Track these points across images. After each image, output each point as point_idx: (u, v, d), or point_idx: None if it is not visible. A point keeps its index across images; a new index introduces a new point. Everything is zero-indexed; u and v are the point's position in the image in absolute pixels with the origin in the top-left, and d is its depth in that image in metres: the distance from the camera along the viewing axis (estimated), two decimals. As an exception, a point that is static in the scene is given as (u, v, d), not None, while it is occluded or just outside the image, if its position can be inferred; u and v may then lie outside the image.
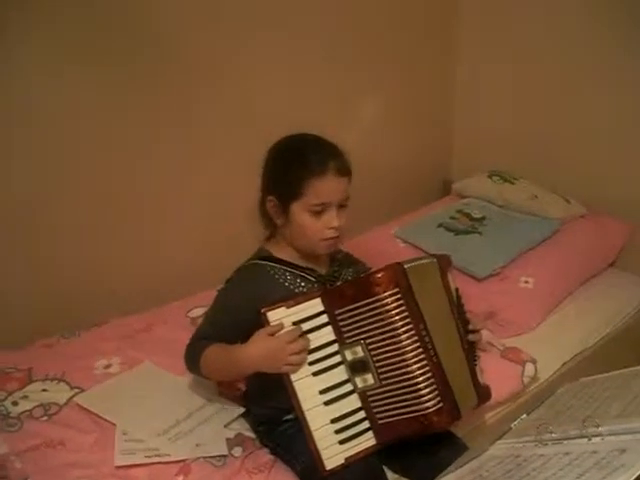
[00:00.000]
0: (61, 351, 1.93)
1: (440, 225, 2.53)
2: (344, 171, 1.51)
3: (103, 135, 2.08)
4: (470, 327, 1.58)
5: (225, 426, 1.61)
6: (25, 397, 1.72)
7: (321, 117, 2.57)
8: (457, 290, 1.59)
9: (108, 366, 1.87)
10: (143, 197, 2.23)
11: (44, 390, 1.75)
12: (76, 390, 1.75)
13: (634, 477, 0.74)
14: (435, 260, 1.53)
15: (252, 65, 2.36)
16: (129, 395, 1.71)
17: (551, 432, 1.07)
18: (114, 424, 1.60)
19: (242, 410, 1.66)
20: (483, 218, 2.54)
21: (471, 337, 1.56)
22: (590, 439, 0.93)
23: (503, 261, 2.31)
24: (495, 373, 1.81)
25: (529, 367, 1.90)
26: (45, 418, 1.65)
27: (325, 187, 1.47)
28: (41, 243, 2.06)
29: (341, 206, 1.52)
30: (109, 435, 1.57)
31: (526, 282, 2.26)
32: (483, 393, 1.56)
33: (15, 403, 1.69)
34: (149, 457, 1.49)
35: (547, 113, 2.73)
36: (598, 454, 0.85)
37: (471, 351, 1.56)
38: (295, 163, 1.50)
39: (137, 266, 2.27)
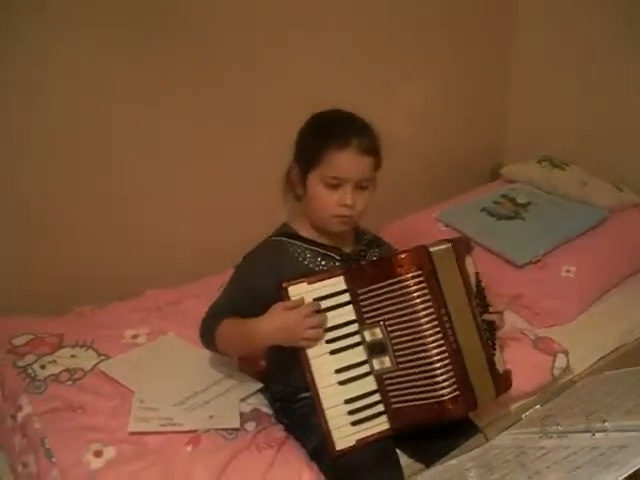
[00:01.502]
0: (93, 320, 1.97)
1: (483, 209, 2.46)
2: (368, 150, 1.46)
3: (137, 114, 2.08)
4: (491, 309, 1.52)
5: (242, 400, 1.60)
6: (54, 362, 1.75)
7: (368, 97, 2.54)
8: (477, 275, 1.54)
9: (136, 336, 1.88)
10: (192, 168, 2.24)
11: (72, 356, 1.78)
12: (102, 357, 1.78)
13: (626, 474, 0.69)
14: (450, 245, 1.48)
15: (294, 48, 2.32)
16: (150, 365, 1.73)
17: (558, 425, 1.03)
18: (133, 391, 1.61)
19: (260, 385, 1.65)
20: (528, 204, 2.46)
21: (487, 316, 1.51)
22: (594, 434, 0.88)
23: (544, 249, 2.22)
24: (525, 363, 1.78)
25: (561, 358, 1.83)
26: (70, 383, 1.68)
27: (343, 161, 1.43)
28: (78, 212, 2.09)
29: (361, 187, 1.47)
30: (127, 402, 1.59)
31: (568, 271, 2.18)
32: (501, 383, 1.50)
33: (43, 367, 1.72)
34: (163, 425, 1.50)
35: (603, 98, 2.62)
36: (597, 450, 0.80)
37: (490, 339, 1.51)
38: (319, 132, 1.48)
39: (175, 238, 2.28)
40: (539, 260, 2.22)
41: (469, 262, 1.53)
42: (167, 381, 1.65)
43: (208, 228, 2.30)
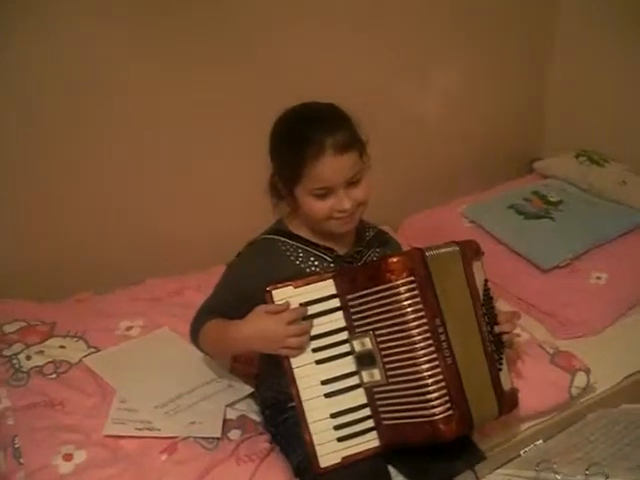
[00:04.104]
0: (90, 308, 1.90)
1: (511, 206, 2.31)
2: (346, 146, 1.30)
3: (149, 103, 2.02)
4: (499, 321, 1.39)
5: (229, 405, 1.51)
6: (41, 352, 1.69)
7: (401, 80, 2.45)
8: (486, 282, 1.40)
9: (130, 328, 1.81)
10: (191, 158, 2.15)
11: (61, 347, 1.72)
12: (92, 350, 1.71)
13: None
14: (458, 248, 1.34)
15: (323, 30, 2.19)
16: (138, 361, 1.65)
17: (555, 472, 0.90)
18: (115, 389, 1.54)
19: (250, 390, 1.56)
20: (560, 202, 2.30)
21: (497, 329, 1.38)
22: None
23: (573, 252, 2.07)
24: (540, 380, 1.65)
25: (580, 377, 1.68)
26: (54, 376, 1.62)
27: (324, 170, 1.29)
28: (79, 195, 2.02)
29: (354, 182, 1.34)
30: (108, 400, 1.52)
31: (598, 278, 2.02)
32: (506, 402, 1.36)
33: (29, 357, 1.66)
34: (139, 430, 1.42)
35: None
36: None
37: (497, 353, 1.37)
38: (290, 145, 1.33)
39: (179, 226, 2.20)
40: (568, 264, 2.06)
41: (477, 268, 1.39)
42: (152, 380, 1.57)
43: (213, 217, 2.22)
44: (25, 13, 1.76)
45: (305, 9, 2.15)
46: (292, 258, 1.41)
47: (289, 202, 1.41)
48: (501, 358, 1.39)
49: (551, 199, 2.32)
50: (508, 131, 2.83)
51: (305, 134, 1.31)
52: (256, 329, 1.30)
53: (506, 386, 1.38)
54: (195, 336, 1.46)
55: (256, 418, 1.52)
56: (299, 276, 1.34)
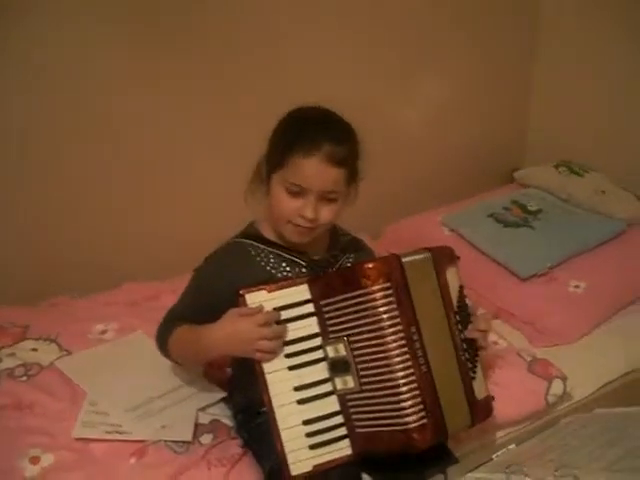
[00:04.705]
0: (64, 311, 1.88)
1: (490, 215, 2.30)
2: (338, 160, 1.29)
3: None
4: (470, 327, 1.37)
5: (201, 410, 1.49)
6: (12, 354, 1.66)
7: (383, 91, 2.46)
8: (461, 288, 1.39)
9: (104, 332, 1.79)
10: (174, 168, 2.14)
11: (33, 349, 1.70)
12: (64, 353, 1.69)
13: None
14: (429, 255, 1.33)
15: (310, 39, 2.20)
16: (110, 364, 1.63)
17: (525, 474, 0.89)
18: (86, 392, 1.52)
19: (222, 395, 1.54)
20: (539, 211, 2.30)
21: (468, 334, 1.36)
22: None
23: (552, 261, 2.07)
24: (517, 387, 1.65)
25: (557, 384, 1.68)
26: (24, 378, 1.59)
27: (307, 168, 1.28)
28: (62, 199, 2.00)
29: (328, 199, 1.32)
30: (78, 403, 1.49)
31: (576, 287, 2.02)
32: (480, 411, 1.35)
33: (-1, 360, 1.64)
34: (109, 433, 1.40)
35: (630, 103, 2.43)
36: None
37: (471, 361, 1.36)
38: (289, 132, 1.33)
39: (158, 230, 2.17)
40: (546, 273, 2.06)
41: (452, 274, 1.38)
42: (124, 383, 1.55)
43: (194, 221, 2.19)
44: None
45: (299, 16, 2.16)
46: (262, 263, 1.39)
47: (263, 189, 1.38)
48: (475, 366, 1.38)
49: (530, 208, 2.32)
50: (490, 142, 2.83)
51: (309, 130, 1.30)
52: (229, 331, 1.27)
53: (480, 395, 1.37)
54: (163, 343, 1.43)
55: (228, 423, 1.50)
56: (271, 281, 1.32)
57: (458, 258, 1.42)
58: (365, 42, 2.33)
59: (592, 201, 2.29)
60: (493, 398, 1.41)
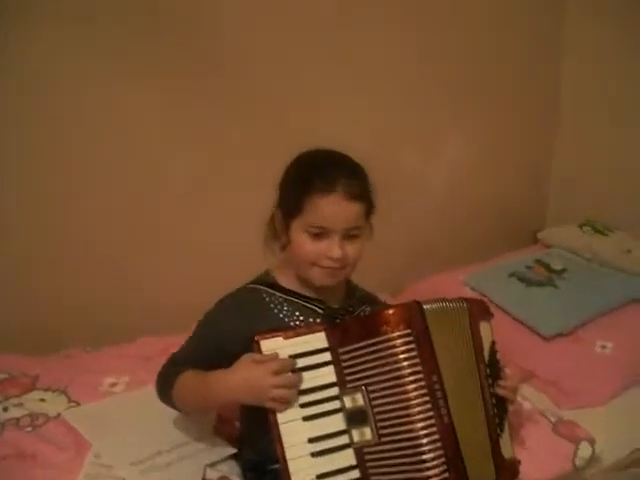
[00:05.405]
0: (76, 363, 1.84)
1: (512, 274, 2.27)
2: (356, 195, 1.28)
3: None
4: (501, 383, 1.32)
5: (209, 466, 1.42)
6: (20, 404, 1.61)
7: (409, 152, 2.48)
8: (493, 344, 1.35)
9: (114, 384, 1.74)
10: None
11: (41, 400, 1.65)
12: (72, 404, 1.64)
13: None
14: (465, 305, 1.29)
15: (325, 98, 2.21)
16: (119, 417, 1.57)
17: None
18: (91, 444, 1.46)
19: (232, 451, 1.46)
20: (563, 270, 2.26)
21: (498, 390, 1.30)
22: None
23: (577, 320, 2.01)
24: (543, 449, 1.57)
25: (584, 447, 1.59)
26: (29, 429, 1.53)
27: (327, 208, 1.26)
28: (79, 254, 2.00)
29: (351, 236, 1.30)
30: (83, 455, 1.43)
31: (603, 347, 1.95)
32: (505, 471, 1.28)
33: (5, 409, 1.58)
34: (112, 487, 1.34)
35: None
36: None
37: (499, 416, 1.30)
38: (302, 175, 1.31)
39: (176, 284, 2.15)
40: (571, 333, 2.00)
41: (485, 328, 1.34)
42: (131, 436, 1.48)
43: (209, 274, 2.14)
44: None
45: (318, 65, 2.18)
46: (276, 310, 1.35)
47: (283, 240, 1.36)
48: (502, 424, 1.32)
49: (554, 267, 2.28)
50: (512, 203, 2.82)
51: (321, 169, 1.29)
52: (241, 378, 1.22)
53: (507, 453, 1.30)
54: (166, 388, 1.37)
55: (237, 480, 1.44)
56: (287, 327, 1.28)
57: (492, 315, 1.38)
58: (385, 102, 2.34)
59: (618, 260, 2.26)
60: (519, 462, 1.34)
